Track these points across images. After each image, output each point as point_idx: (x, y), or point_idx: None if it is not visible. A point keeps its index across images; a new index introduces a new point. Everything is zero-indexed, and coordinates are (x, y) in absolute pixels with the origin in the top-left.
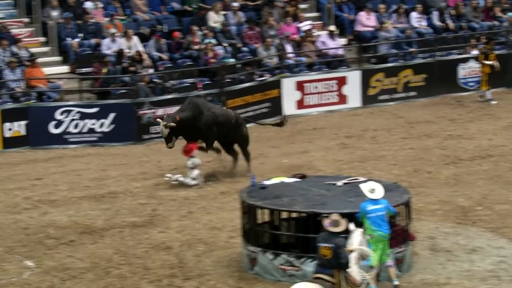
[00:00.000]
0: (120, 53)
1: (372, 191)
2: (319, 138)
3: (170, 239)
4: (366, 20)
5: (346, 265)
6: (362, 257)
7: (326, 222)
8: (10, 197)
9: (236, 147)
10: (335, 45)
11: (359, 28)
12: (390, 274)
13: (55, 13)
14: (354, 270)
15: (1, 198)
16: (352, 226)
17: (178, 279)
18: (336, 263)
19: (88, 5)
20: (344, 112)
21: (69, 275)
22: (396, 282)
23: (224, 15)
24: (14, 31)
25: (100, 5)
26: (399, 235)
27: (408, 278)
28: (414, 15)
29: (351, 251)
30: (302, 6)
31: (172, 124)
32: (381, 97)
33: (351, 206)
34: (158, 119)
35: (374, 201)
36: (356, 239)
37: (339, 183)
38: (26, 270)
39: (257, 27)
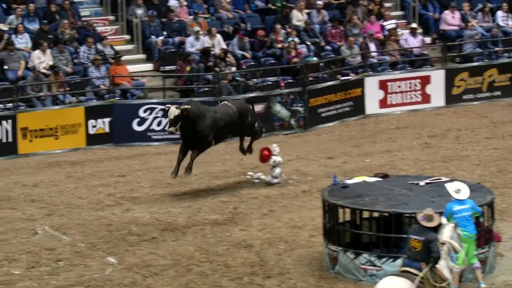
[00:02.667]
0: (205, 51)
1: (458, 191)
2: (401, 138)
3: (251, 237)
4: (451, 19)
5: (435, 260)
6: (454, 250)
7: (419, 216)
8: (93, 193)
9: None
10: (417, 43)
11: (443, 27)
12: (477, 275)
13: (139, 11)
14: (443, 265)
15: (85, 194)
16: (444, 220)
17: (258, 277)
18: (425, 256)
19: (172, 3)
20: (427, 112)
21: (151, 271)
22: (483, 285)
23: (308, 13)
24: (99, 29)
25: (185, 3)
26: (482, 236)
27: (490, 280)
28: (500, 14)
29: (443, 243)
30: (387, 4)
31: (187, 106)
32: (465, 97)
33: (433, 206)
34: (167, 106)
35: (460, 202)
36: (447, 233)
37: (422, 183)
38: (108, 266)
39: (340, 26)
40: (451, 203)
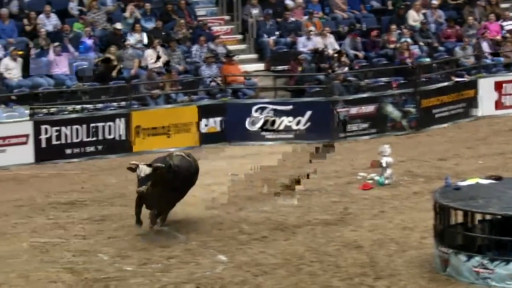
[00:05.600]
0: (319, 52)
1: None
2: None
3: (362, 238)
4: None
5: None
6: None
7: None
8: (207, 192)
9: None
10: None
11: None
12: None
13: (255, 11)
14: None
15: (198, 192)
16: None
17: (369, 278)
18: None
19: (288, 2)
20: None
21: (261, 270)
22: None
23: (424, 13)
24: (215, 28)
25: (301, 2)
26: None
27: None
28: None
29: None
30: (504, 5)
31: (162, 165)
32: None
33: None
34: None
35: None
36: None
37: None
38: (219, 265)
39: (457, 26)
40: None
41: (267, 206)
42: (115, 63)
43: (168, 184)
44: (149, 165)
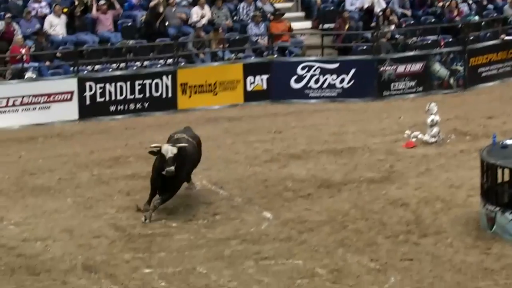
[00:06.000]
0: (368, 10)
1: None
2: None
3: (407, 196)
4: None
5: None
6: None
7: None
8: (250, 149)
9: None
10: None
11: None
12: None
13: None
14: None
15: (242, 149)
16: None
17: (414, 235)
18: None
19: None
20: None
21: (306, 227)
22: None
23: None
24: None
25: None
26: None
27: None
28: None
29: None
30: None
31: (186, 145)
32: None
33: None
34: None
35: None
36: None
37: None
38: (264, 221)
39: None
40: None
41: (311, 164)
42: (161, 10)
43: (182, 166)
44: (173, 146)
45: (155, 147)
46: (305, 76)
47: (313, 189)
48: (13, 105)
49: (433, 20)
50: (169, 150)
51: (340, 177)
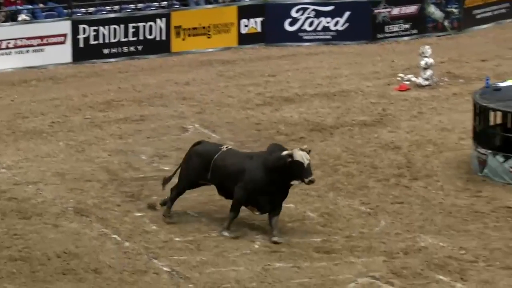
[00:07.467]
0: None
1: None
2: None
3: (399, 139)
4: None
5: None
6: None
7: None
8: (243, 92)
9: None
10: None
11: None
12: None
13: None
14: None
15: (235, 93)
16: None
17: (405, 179)
18: None
19: None
20: None
21: None
22: None
23: None
24: None
25: None
26: None
27: None
28: None
29: None
30: None
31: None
32: None
33: None
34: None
35: None
36: None
37: None
38: None
39: None
40: None
41: (304, 107)
42: None
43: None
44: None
45: (286, 154)
46: (300, 19)
47: (306, 132)
48: (7, 47)
49: None
50: (305, 156)
51: (332, 121)
